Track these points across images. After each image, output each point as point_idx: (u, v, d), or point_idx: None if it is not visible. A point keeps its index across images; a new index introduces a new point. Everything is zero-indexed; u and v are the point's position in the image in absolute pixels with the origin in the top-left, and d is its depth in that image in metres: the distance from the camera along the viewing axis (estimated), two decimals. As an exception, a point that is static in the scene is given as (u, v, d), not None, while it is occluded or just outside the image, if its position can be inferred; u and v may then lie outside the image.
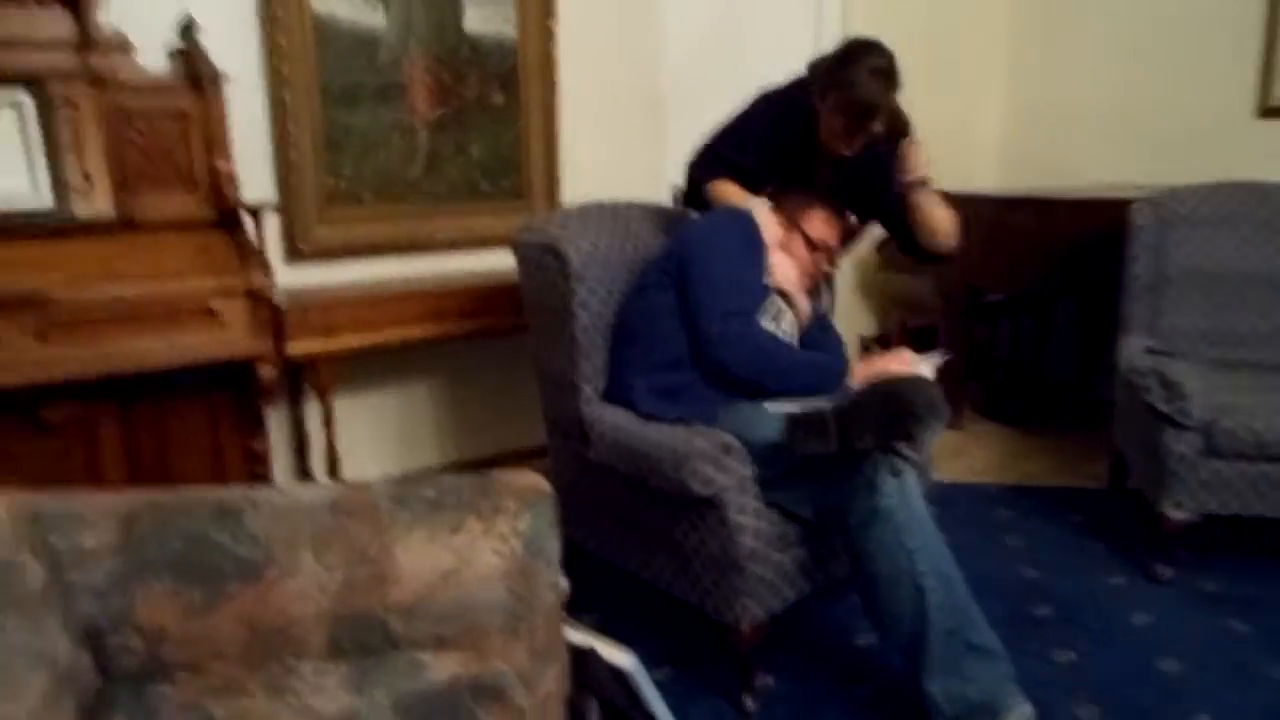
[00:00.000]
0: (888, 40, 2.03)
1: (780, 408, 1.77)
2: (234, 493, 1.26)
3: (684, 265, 1.94)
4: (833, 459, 1.65)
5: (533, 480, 1.33)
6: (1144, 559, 2.40)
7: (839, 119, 1.97)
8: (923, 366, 1.81)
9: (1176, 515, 2.27)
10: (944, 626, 1.60)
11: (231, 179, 2.29)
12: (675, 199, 2.30)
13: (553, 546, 1.30)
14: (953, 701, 1.60)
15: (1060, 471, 3.12)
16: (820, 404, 1.70)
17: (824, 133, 2.03)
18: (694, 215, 2.24)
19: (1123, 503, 2.74)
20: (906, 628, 1.63)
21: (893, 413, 1.57)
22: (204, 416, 2.31)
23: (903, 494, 1.64)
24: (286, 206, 2.57)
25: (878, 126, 1.98)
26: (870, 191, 2.13)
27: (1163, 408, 2.23)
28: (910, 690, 1.65)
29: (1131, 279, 2.68)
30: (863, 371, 1.82)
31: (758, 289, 1.98)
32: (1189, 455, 2.22)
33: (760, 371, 1.86)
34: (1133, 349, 2.52)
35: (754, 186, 2.11)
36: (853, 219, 2.21)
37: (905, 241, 2.17)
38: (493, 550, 1.25)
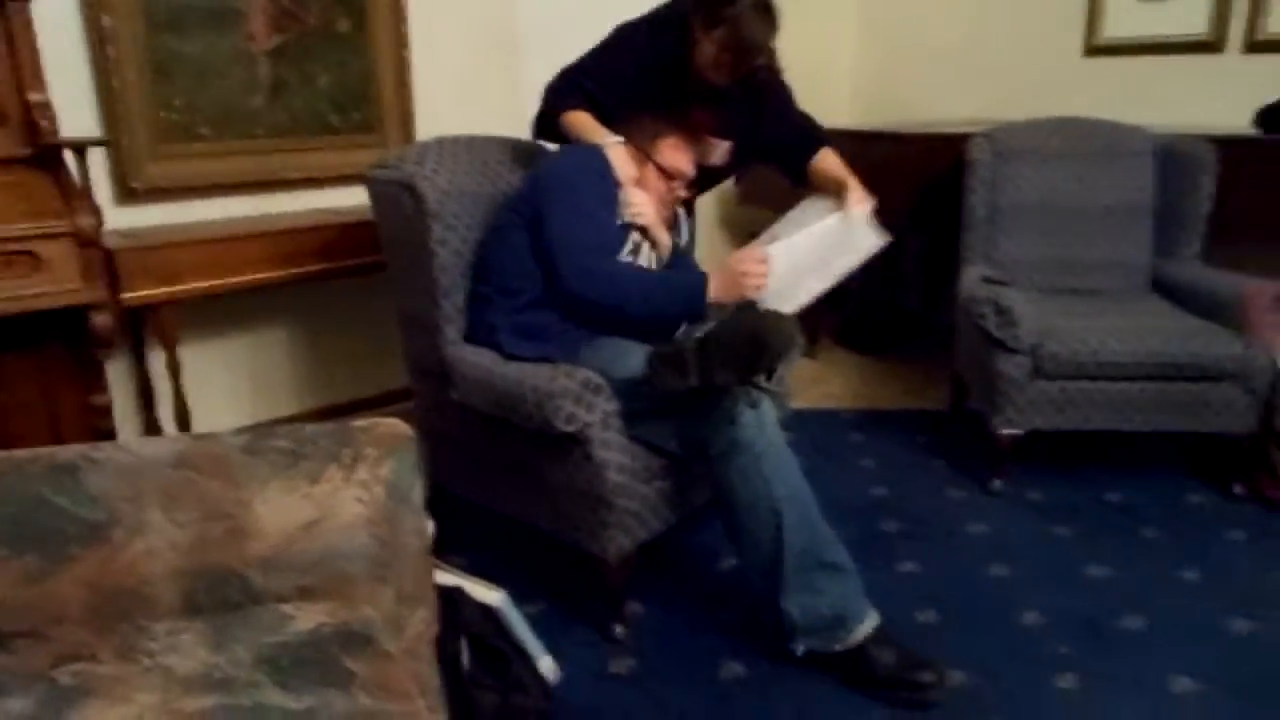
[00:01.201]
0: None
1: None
2: (70, 451, 1.19)
3: (538, 207, 1.92)
4: (693, 393, 1.70)
5: (393, 426, 1.31)
6: (980, 474, 2.60)
7: (725, 53, 1.99)
8: (778, 260, 1.88)
9: (1007, 432, 2.46)
10: (798, 547, 1.69)
11: (46, 111, 2.09)
12: (530, 127, 2.25)
13: (416, 491, 1.30)
14: (806, 615, 1.71)
15: (908, 396, 3.32)
16: (680, 339, 1.73)
17: (701, 62, 2.04)
18: (548, 149, 2.22)
19: (962, 423, 2.95)
20: (764, 549, 1.71)
21: (751, 349, 1.62)
22: (35, 371, 2.16)
23: (759, 425, 1.71)
24: (114, 142, 2.38)
25: (760, 61, 2.04)
26: (751, 126, 2.19)
27: (995, 333, 2.39)
28: (769, 608, 1.75)
29: (969, 211, 2.83)
30: (722, 284, 1.85)
31: (614, 228, 1.97)
32: (1018, 376, 2.40)
33: (622, 299, 1.85)
34: (971, 278, 2.67)
35: (611, 121, 2.10)
36: (716, 143, 2.24)
37: (793, 173, 2.26)
38: (355, 498, 1.23)
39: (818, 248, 2.02)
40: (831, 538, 1.74)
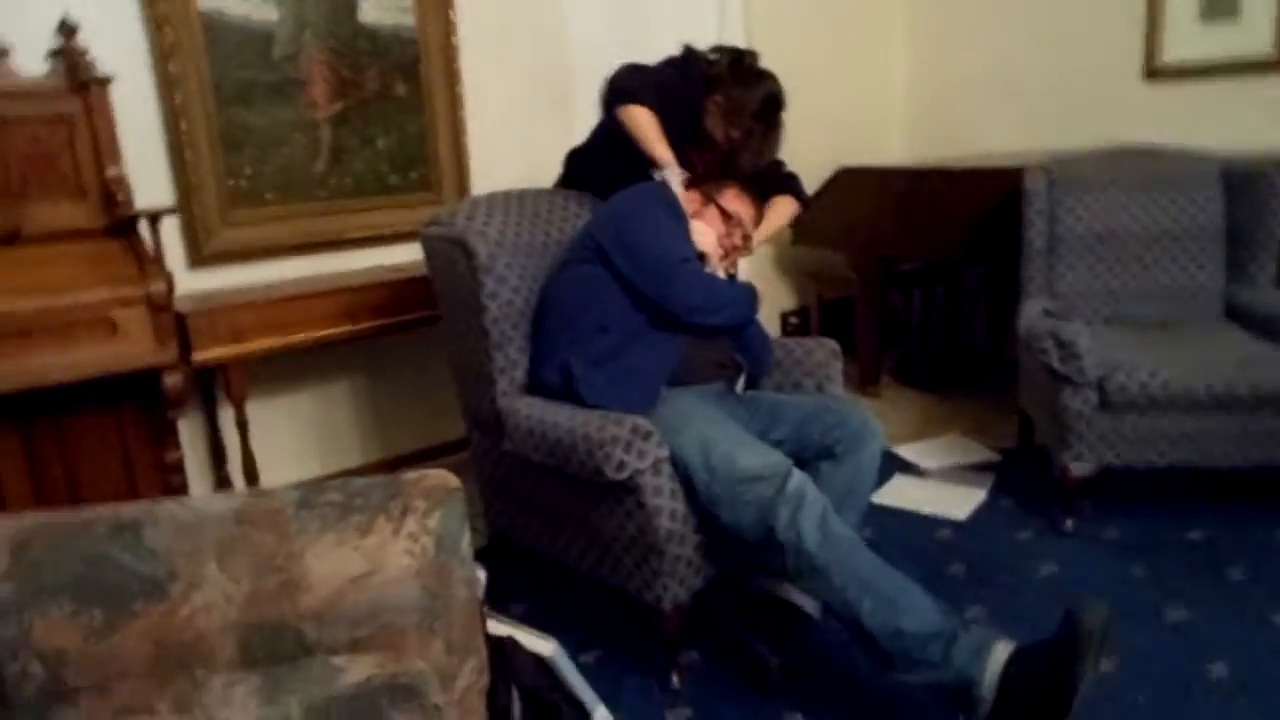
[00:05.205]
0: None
1: None
2: (132, 508, 1.24)
3: (620, 235, 2.00)
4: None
5: (441, 478, 1.33)
6: (1049, 513, 2.51)
7: (735, 127, 2.16)
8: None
9: (1077, 469, 2.38)
10: (884, 630, 1.59)
11: (123, 185, 2.21)
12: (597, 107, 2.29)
13: (465, 542, 1.31)
14: (930, 690, 1.60)
15: (973, 433, 3.23)
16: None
17: (707, 120, 2.19)
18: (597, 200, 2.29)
19: (1030, 460, 2.86)
20: (857, 634, 1.63)
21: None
22: (112, 431, 2.26)
23: (795, 524, 1.65)
24: (186, 210, 2.50)
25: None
26: None
27: (1058, 367, 2.32)
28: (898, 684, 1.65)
29: (1027, 244, 2.78)
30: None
31: (690, 246, 2.07)
32: (1085, 411, 2.33)
33: (715, 304, 2.02)
34: (1031, 312, 2.61)
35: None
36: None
37: None
38: (404, 550, 1.25)
39: None
40: (915, 605, 1.60)
